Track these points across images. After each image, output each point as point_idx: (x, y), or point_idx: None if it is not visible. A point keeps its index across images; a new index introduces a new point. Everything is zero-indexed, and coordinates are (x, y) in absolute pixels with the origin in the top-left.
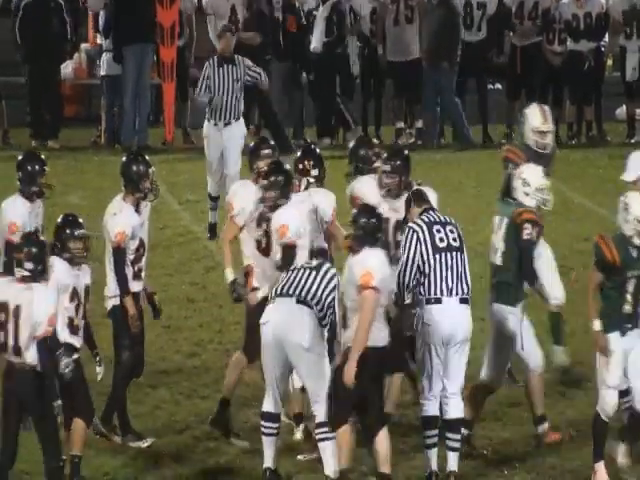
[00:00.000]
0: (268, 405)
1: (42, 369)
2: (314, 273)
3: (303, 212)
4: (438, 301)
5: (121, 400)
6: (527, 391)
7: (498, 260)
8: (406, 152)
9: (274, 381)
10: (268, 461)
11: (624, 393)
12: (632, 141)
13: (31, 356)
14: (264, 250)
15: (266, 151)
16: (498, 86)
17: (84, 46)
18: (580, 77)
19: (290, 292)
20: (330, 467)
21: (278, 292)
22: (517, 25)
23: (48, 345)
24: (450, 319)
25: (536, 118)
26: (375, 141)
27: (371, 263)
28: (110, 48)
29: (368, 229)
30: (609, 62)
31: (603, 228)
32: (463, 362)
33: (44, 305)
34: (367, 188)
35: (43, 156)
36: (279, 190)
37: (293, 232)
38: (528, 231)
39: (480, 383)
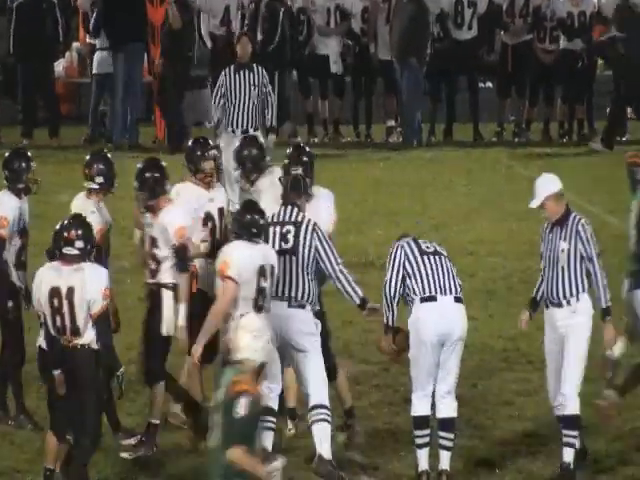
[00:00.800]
0: (270, 401)
1: (102, 345)
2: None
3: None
4: (432, 299)
5: (110, 398)
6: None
7: (633, 248)
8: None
9: (275, 377)
10: None
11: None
12: (623, 139)
13: (89, 336)
14: (210, 250)
15: (212, 152)
16: (489, 84)
17: (75, 45)
18: (573, 76)
19: (280, 294)
20: (323, 448)
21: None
22: (509, 24)
23: (106, 321)
24: (446, 317)
25: None
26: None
27: (230, 253)
28: (102, 46)
29: (242, 224)
30: (600, 60)
31: (595, 226)
32: (457, 361)
33: (96, 283)
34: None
35: (29, 153)
36: (148, 191)
37: (190, 231)
38: None
39: None
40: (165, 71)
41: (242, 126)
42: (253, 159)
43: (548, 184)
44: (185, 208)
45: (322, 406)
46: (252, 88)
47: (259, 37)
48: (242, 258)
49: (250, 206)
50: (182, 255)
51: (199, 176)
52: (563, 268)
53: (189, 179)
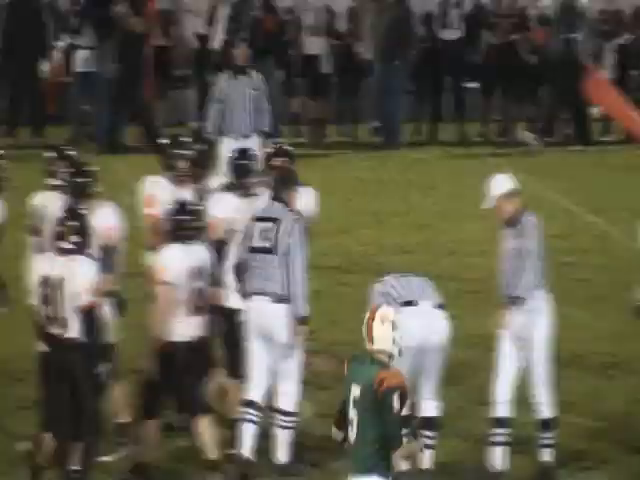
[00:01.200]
0: (252, 394)
1: (86, 339)
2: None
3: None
4: (412, 303)
5: None
6: None
7: None
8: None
9: (261, 372)
10: (246, 452)
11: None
12: (607, 139)
13: (75, 329)
14: None
15: (188, 152)
16: (474, 84)
17: (60, 44)
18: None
19: (262, 290)
20: (283, 454)
21: (253, 289)
22: (495, 24)
23: (92, 316)
24: (425, 322)
25: None
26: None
27: (165, 257)
28: (85, 45)
29: (174, 225)
30: None
31: (577, 226)
32: (439, 366)
33: (87, 276)
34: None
35: (2, 151)
36: (78, 197)
37: (119, 233)
38: None
39: None
40: (120, 74)
41: (241, 130)
42: (200, 154)
43: (498, 184)
44: (161, 200)
45: (294, 414)
46: (251, 92)
47: (222, 38)
48: (175, 261)
49: (181, 207)
50: (109, 255)
51: (172, 173)
52: (517, 267)
53: (162, 175)
